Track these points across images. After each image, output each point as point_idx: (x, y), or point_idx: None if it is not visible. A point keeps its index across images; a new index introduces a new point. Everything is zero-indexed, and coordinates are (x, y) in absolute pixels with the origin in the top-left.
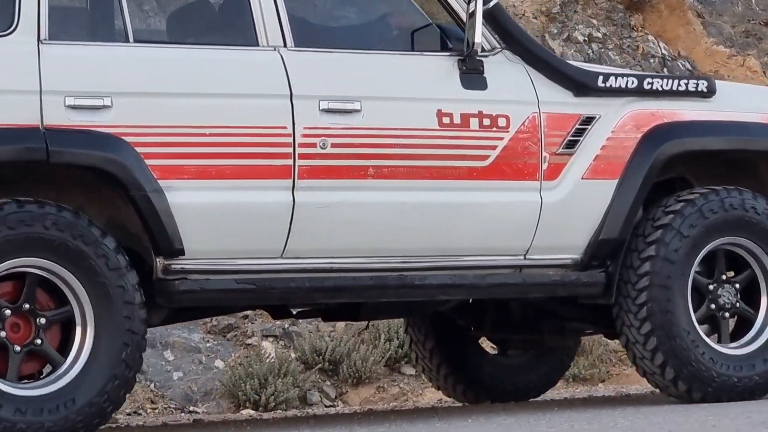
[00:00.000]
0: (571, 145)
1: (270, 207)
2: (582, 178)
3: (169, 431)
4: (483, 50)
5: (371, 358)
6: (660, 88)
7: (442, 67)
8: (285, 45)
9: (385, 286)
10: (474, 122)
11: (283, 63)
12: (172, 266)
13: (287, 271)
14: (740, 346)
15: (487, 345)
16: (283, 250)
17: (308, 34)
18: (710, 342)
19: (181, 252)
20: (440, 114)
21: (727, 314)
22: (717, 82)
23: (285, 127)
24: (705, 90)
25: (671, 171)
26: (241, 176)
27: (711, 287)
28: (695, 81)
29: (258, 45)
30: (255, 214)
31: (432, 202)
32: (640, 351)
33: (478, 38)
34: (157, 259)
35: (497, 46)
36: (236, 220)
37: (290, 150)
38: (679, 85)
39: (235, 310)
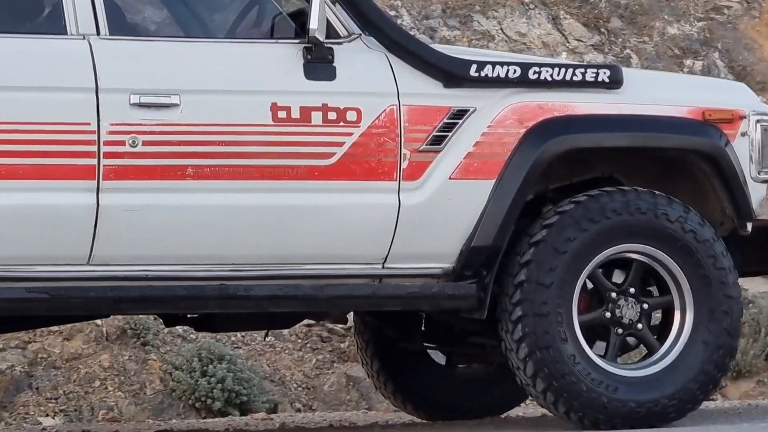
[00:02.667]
0: (438, 141)
1: (70, 210)
2: (450, 178)
3: None
4: (337, 36)
5: (751, 351)
6: (549, 78)
7: (283, 56)
8: (98, 33)
9: (202, 296)
10: (316, 116)
11: (91, 53)
12: None
13: (91, 279)
14: (644, 367)
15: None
16: (90, 256)
17: (128, 21)
18: (603, 365)
19: None
20: (275, 108)
21: (620, 330)
22: (630, 71)
23: (88, 123)
24: (607, 80)
25: (592, 169)
26: (37, 177)
27: (613, 294)
28: (595, 70)
29: (66, 33)
30: (53, 218)
31: (262, 204)
32: (522, 376)
33: (314, 24)
34: None
35: (355, 32)
36: (31, 223)
37: (94, 148)
38: (574, 74)
39: (45, 321)
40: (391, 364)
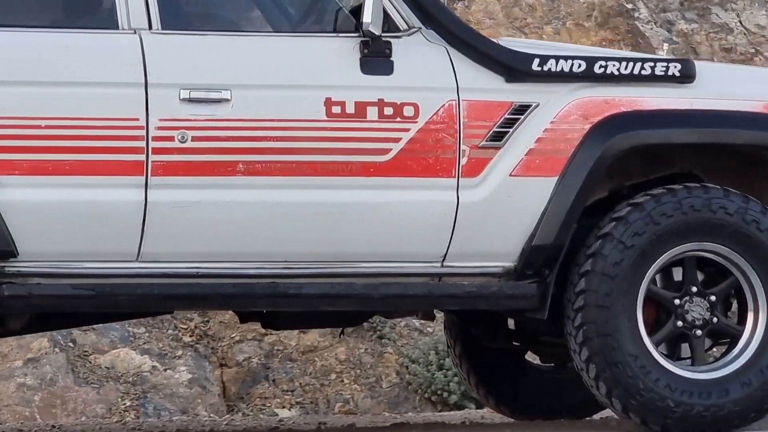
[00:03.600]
0: (499, 137)
1: (117, 206)
2: (510, 175)
3: None
4: (397, 30)
5: None
6: (616, 73)
7: (339, 50)
8: (150, 28)
9: (251, 294)
10: (372, 112)
11: (142, 47)
12: (6, 269)
13: (139, 275)
14: (713, 369)
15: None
16: (138, 253)
17: (182, 15)
18: (669, 366)
19: (12, 254)
20: (329, 103)
21: (699, 332)
22: (704, 65)
23: (137, 119)
24: (678, 74)
25: (671, 166)
26: (83, 172)
27: (677, 302)
28: (665, 64)
29: (117, 28)
30: (100, 214)
31: (315, 201)
32: (586, 379)
33: (367, 17)
34: None
35: (415, 25)
36: (78, 219)
37: (143, 144)
38: (642, 68)
39: (93, 318)
40: (478, 361)
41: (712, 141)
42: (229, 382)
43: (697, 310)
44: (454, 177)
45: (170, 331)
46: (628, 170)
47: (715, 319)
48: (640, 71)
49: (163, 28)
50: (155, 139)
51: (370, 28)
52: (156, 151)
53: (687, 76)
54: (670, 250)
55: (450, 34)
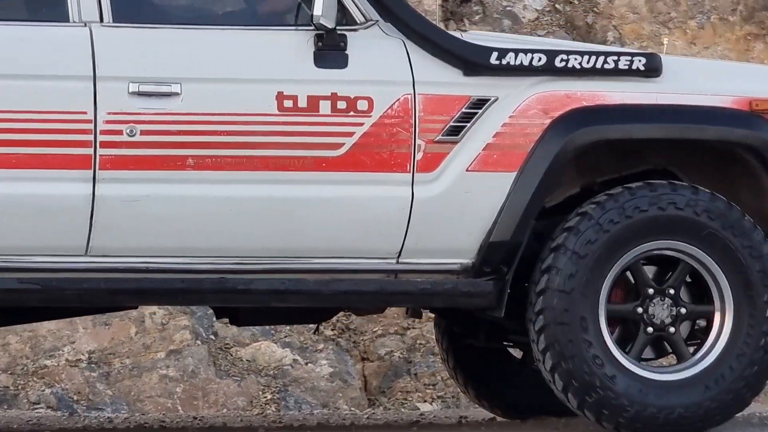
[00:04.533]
0: (455, 131)
1: (65, 200)
2: (467, 170)
3: None
4: (354, 23)
5: None
6: (578, 66)
7: (293, 43)
8: (101, 20)
9: (200, 290)
10: (325, 106)
11: (91, 40)
12: None
13: (87, 270)
14: (672, 371)
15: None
16: (87, 247)
17: (134, 8)
18: (628, 365)
19: None
20: (281, 97)
21: (672, 329)
22: (672, 59)
23: (85, 112)
24: (642, 68)
25: (644, 162)
26: (31, 166)
27: (639, 310)
28: (629, 58)
29: (68, 21)
30: (48, 208)
31: (267, 196)
32: (545, 375)
33: (318, 10)
34: None
35: (372, 18)
36: (26, 213)
37: (91, 137)
38: (605, 62)
39: (49, 314)
40: (465, 359)
41: (677, 137)
42: (370, 375)
43: (660, 309)
44: (409, 172)
45: (312, 325)
46: (600, 166)
47: (683, 310)
48: (602, 65)
49: (114, 21)
50: (103, 132)
51: (322, 21)
52: (104, 144)
53: (652, 70)
54: (624, 255)
55: (407, 27)
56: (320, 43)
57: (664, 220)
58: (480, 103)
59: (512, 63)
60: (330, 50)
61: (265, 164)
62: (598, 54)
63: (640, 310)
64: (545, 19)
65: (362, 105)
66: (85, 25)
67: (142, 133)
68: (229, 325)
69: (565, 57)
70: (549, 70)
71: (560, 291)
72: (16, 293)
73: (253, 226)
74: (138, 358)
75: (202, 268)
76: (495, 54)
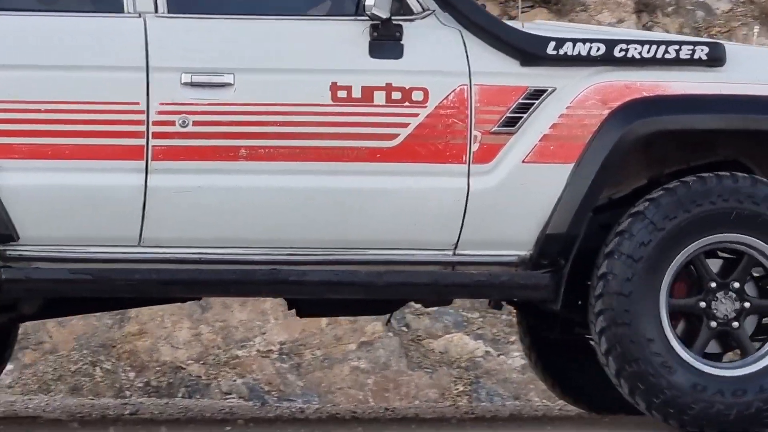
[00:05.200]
0: (512, 122)
1: (117, 191)
2: (523, 162)
3: None
4: (410, 13)
5: None
6: (638, 56)
7: (347, 34)
8: (156, 11)
9: (252, 281)
10: (379, 96)
11: (145, 31)
12: (7, 253)
13: (139, 261)
14: (739, 366)
15: None
16: (140, 238)
17: None
18: (691, 360)
19: (11, 238)
20: (335, 87)
21: (736, 324)
22: (737, 48)
23: (138, 103)
24: (705, 58)
25: (714, 153)
26: (83, 157)
27: (702, 305)
28: (690, 47)
29: (123, 11)
30: (100, 199)
31: (320, 187)
32: (602, 360)
33: (370, 0)
34: None
35: (429, 8)
36: (78, 204)
37: (143, 128)
38: (666, 52)
39: (102, 305)
40: (548, 355)
41: (739, 127)
42: None
43: (725, 304)
44: (465, 163)
45: (504, 317)
46: (668, 157)
47: (747, 304)
48: (663, 55)
49: (169, 12)
50: (156, 123)
51: (374, 11)
52: (156, 135)
53: (715, 60)
54: (682, 251)
55: (464, 17)
56: (375, 33)
57: (720, 214)
58: (537, 94)
59: (570, 53)
60: (385, 40)
61: (319, 155)
62: (659, 43)
63: (703, 304)
64: (739, 10)
65: (417, 96)
66: (140, 16)
67: (195, 123)
68: (419, 316)
69: (624, 46)
70: (608, 59)
71: (618, 294)
72: (67, 283)
73: (306, 216)
74: (329, 350)
75: (255, 260)
76: (552, 44)
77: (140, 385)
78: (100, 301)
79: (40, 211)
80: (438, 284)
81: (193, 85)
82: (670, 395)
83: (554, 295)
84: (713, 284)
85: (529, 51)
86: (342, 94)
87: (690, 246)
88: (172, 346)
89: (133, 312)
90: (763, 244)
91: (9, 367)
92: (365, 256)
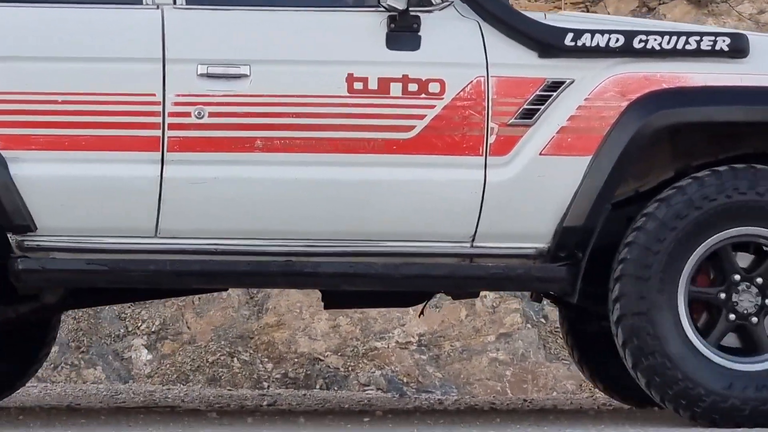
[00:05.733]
0: (529, 114)
1: (133, 182)
2: (541, 154)
3: None
4: (429, 4)
5: None
6: (658, 48)
7: (365, 25)
8: (174, 3)
9: (267, 272)
10: (396, 88)
11: (162, 23)
12: (26, 243)
13: (155, 251)
14: (756, 362)
15: None
16: (156, 229)
17: None
18: (708, 353)
19: (28, 228)
20: (351, 79)
21: (755, 319)
22: (759, 38)
23: (154, 94)
24: (727, 49)
25: (741, 146)
26: (100, 148)
27: (722, 296)
28: (712, 38)
29: (141, 3)
30: (115, 189)
31: (335, 178)
32: (620, 352)
33: None
34: (9, 236)
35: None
36: (95, 195)
37: (159, 119)
38: (687, 43)
39: (121, 297)
40: (582, 343)
41: (760, 120)
42: None
43: (746, 298)
44: (482, 155)
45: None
46: (695, 150)
47: (754, 320)
48: (684, 46)
49: (187, 4)
50: (172, 114)
51: (390, 2)
52: (172, 126)
53: (738, 51)
54: (699, 246)
55: (482, 8)
56: (393, 25)
57: (740, 207)
58: (555, 86)
59: (588, 44)
60: (402, 32)
61: (335, 146)
62: (679, 34)
63: (723, 295)
64: None
65: (434, 87)
66: (158, 8)
67: (211, 115)
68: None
69: (644, 37)
70: (627, 51)
71: (636, 277)
72: (83, 274)
73: (322, 208)
74: (468, 342)
75: (270, 251)
76: (570, 35)
77: (278, 376)
78: (120, 291)
79: (56, 201)
80: (454, 276)
81: (209, 76)
82: (683, 386)
83: (571, 288)
84: (736, 277)
85: (547, 42)
86: (358, 85)
87: (711, 238)
88: (309, 337)
89: (270, 303)
90: None
91: (148, 357)
92: (382, 247)
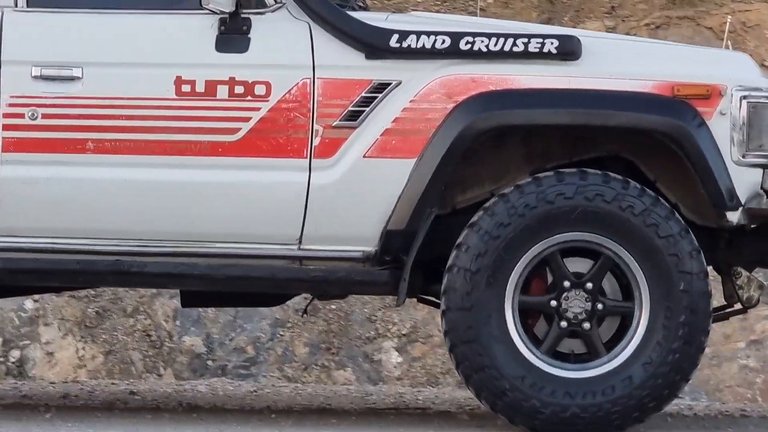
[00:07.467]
0: (354, 116)
1: None
2: (364, 156)
3: None
4: (263, 6)
5: None
6: (485, 49)
7: (195, 28)
8: (16, 5)
9: (96, 271)
10: (222, 90)
11: (1, 26)
12: None
13: None
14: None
15: None
16: None
17: None
18: (537, 363)
19: None
20: (179, 81)
21: (587, 324)
22: (594, 41)
23: None
24: (555, 51)
25: (596, 148)
26: None
27: (553, 303)
28: (540, 40)
29: None
30: None
31: (164, 180)
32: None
33: None
34: None
35: (281, 1)
36: None
37: None
38: (514, 45)
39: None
40: None
41: (584, 123)
42: None
43: (576, 304)
44: (306, 158)
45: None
46: (550, 152)
47: (599, 305)
48: (511, 48)
49: (28, 7)
50: (6, 115)
51: (211, 5)
52: (6, 127)
53: (567, 53)
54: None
55: (311, 9)
56: (223, 27)
57: (562, 213)
58: (381, 87)
59: (414, 46)
60: (232, 34)
61: (163, 148)
62: (507, 36)
63: (554, 303)
64: None
65: (260, 89)
66: (1, 11)
67: (44, 116)
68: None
69: (471, 39)
70: (454, 52)
71: (465, 274)
72: None
73: (150, 209)
74: (718, 348)
75: (101, 250)
76: (395, 36)
77: None
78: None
79: None
80: (275, 278)
81: (43, 78)
82: (512, 397)
83: (395, 292)
84: (566, 283)
85: (373, 44)
86: (186, 88)
87: (535, 246)
88: None
89: None
90: (615, 244)
91: (398, 359)
92: (210, 249)
